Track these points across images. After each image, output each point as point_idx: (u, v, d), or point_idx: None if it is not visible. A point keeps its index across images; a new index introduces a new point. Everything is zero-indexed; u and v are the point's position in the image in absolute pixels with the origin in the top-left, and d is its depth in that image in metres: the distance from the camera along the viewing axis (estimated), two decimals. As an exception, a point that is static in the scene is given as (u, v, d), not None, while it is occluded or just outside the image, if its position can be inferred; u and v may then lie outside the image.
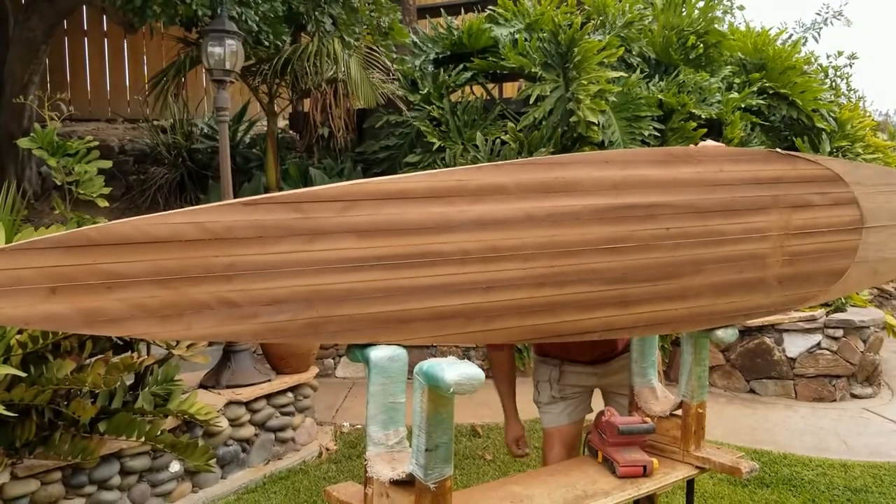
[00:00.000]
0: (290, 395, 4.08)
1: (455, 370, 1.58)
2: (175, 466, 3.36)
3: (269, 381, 3.96)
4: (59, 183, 3.20)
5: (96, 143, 3.31)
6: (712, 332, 2.20)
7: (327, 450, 4.20)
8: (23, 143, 3.21)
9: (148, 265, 1.56)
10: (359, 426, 4.62)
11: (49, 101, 3.38)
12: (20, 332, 2.49)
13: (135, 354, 2.98)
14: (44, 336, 2.50)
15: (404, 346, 1.89)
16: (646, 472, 2.17)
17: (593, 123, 5.48)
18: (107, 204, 3.30)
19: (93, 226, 1.55)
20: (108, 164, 3.37)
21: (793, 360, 5.41)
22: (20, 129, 6.23)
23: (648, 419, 2.31)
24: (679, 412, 2.32)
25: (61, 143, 3.14)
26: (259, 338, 1.77)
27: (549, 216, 1.88)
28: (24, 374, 2.45)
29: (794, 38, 9.01)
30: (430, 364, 1.65)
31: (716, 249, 2.11)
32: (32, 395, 2.50)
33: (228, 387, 3.80)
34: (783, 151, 2.16)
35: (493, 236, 1.82)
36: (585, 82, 5.57)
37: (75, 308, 1.52)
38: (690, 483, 2.39)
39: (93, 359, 2.82)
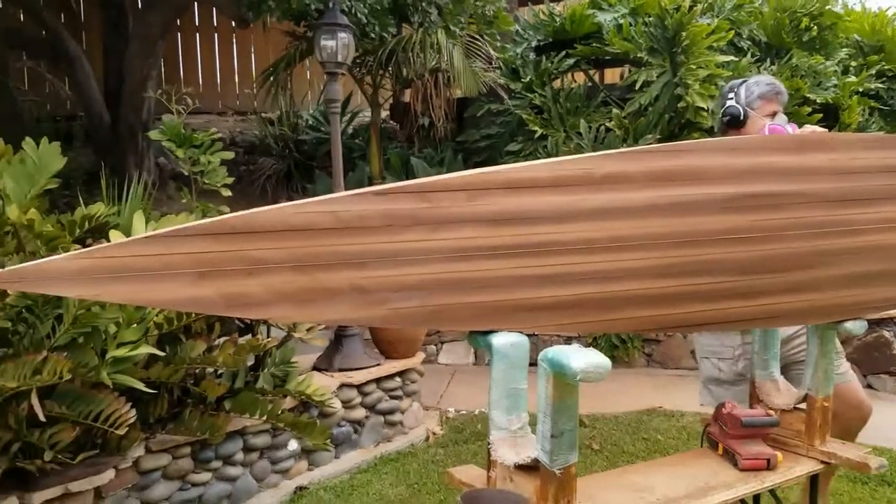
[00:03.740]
0: (398, 379, 4.18)
1: (582, 358, 1.59)
2: (293, 445, 3.51)
3: (379, 365, 4.07)
4: (186, 173, 3.38)
5: (220, 135, 3.48)
6: (840, 324, 2.13)
7: (434, 434, 4.29)
8: (153, 134, 3.40)
9: (285, 252, 1.64)
10: (464, 412, 4.70)
11: (177, 95, 3.57)
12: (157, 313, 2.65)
13: (259, 336, 3.12)
14: (178, 318, 2.66)
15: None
16: (769, 466, 2.13)
17: (702, 109, 5.35)
18: (230, 193, 3.46)
19: (235, 214, 1.63)
20: (230, 155, 3.53)
21: (915, 355, 5.16)
22: (139, 122, 6.56)
23: (772, 412, 2.27)
24: (803, 406, 2.26)
25: (188, 135, 3.31)
26: (388, 323, 1.83)
27: (674, 205, 1.86)
28: (162, 354, 2.61)
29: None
30: (556, 351, 1.66)
31: (846, 240, 2.03)
32: (168, 374, 2.66)
33: (340, 370, 3.93)
34: (922, 137, 2.07)
35: (618, 225, 1.82)
36: (694, 67, 5.43)
37: (219, 292, 1.60)
38: (814, 478, 2.33)
39: (221, 340, 2.97)
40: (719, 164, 1.91)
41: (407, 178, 5.89)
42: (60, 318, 2.45)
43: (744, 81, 2.63)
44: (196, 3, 8.25)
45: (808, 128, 2.54)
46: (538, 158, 5.45)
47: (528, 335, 1.86)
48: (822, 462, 2.18)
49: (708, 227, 1.89)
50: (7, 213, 2.54)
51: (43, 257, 2.38)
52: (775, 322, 2.13)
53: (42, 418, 2.31)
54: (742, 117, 2.54)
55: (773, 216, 1.96)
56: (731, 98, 2.58)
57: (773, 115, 2.56)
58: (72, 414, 2.42)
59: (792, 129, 2.53)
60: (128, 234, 2.56)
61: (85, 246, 2.71)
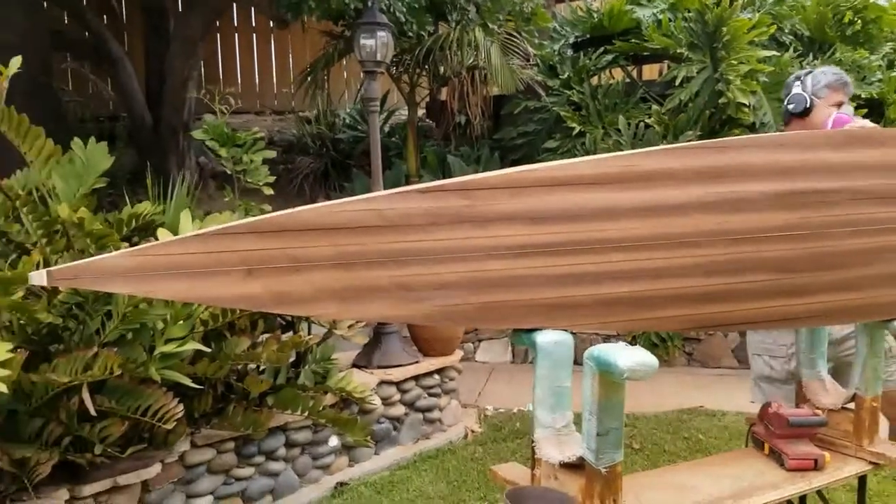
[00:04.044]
0: (436, 377, 4.19)
1: (629, 356, 1.59)
2: (333, 441, 3.54)
3: (417, 362, 4.09)
4: (228, 172, 3.42)
5: (262, 134, 3.52)
6: (890, 322, 2.09)
7: (472, 431, 4.30)
8: (196, 134, 3.46)
9: (330, 250, 1.65)
10: (502, 410, 4.70)
11: (219, 95, 3.62)
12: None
13: (301, 333, 3.16)
14: (223, 314, 2.70)
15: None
16: (817, 466, 2.10)
17: (744, 105, 5.28)
18: (272, 192, 3.50)
19: (281, 212, 1.66)
20: (272, 153, 3.57)
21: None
22: (180, 122, 6.67)
23: (819, 412, 2.23)
24: (851, 405, 2.23)
25: (231, 135, 3.36)
26: (430, 321, 1.84)
27: (720, 202, 1.84)
28: (207, 350, 2.65)
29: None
30: (602, 350, 1.66)
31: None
32: (214, 370, 2.70)
33: (379, 367, 3.95)
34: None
35: (663, 222, 1.80)
36: (735, 62, 5.35)
37: (267, 289, 1.63)
38: (862, 479, 2.29)
39: (264, 337, 3.01)
40: (766, 160, 1.89)
41: (443, 177, 5.91)
42: (109, 314, 2.50)
43: (810, 71, 2.61)
44: (235, 4, 8.36)
45: (858, 122, 2.50)
46: (576, 156, 5.43)
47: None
48: (871, 463, 2.15)
49: (754, 224, 1.86)
50: (57, 212, 2.60)
51: (92, 255, 2.44)
52: (823, 320, 2.10)
53: (93, 412, 2.36)
54: (808, 106, 2.52)
55: (822, 213, 1.93)
56: (798, 87, 2.56)
57: (839, 105, 2.54)
58: (121, 408, 2.47)
59: (860, 122, 2.50)
60: (175, 232, 2.61)
61: (132, 244, 2.77)
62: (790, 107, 2.56)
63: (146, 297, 2.31)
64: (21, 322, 2.41)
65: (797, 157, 1.89)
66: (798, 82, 2.57)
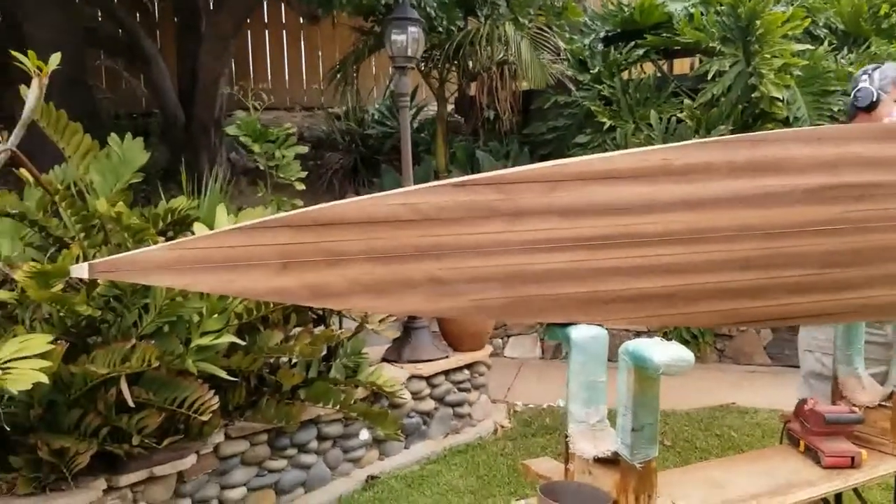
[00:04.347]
0: (466, 371, 4.20)
1: (665, 351, 1.58)
2: (364, 434, 3.57)
3: (447, 357, 4.10)
4: (261, 167, 3.46)
5: (294, 129, 3.55)
6: (930, 319, 2.06)
7: (502, 427, 4.30)
8: (230, 130, 3.50)
9: (365, 243, 1.66)
10: (532, 405, 4.69)
11: (252, 91, 3.66)
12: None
13: (333, 327, 3.18)
14: (257, 308, 2.73)
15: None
16: (854, 464, 2.08)
17: (777, 99, 5.21)
18: (304, 187, 3.53)
19: (316, 206, 1.67)
20: (304, 149, 3.60)
21: None
22: (212, 118, 6.74)
23: (856, 409, 2.21)
24: (888, 403, 2.20)
25: (263, 131, 3.39)
26: (464, 315, 1.84)
27: (757, 196, 1.82)
28: (243, 343, 2.68)
29: None
30: (637, 344, 1.66)
31: (938, 231, 1.96)
32: (248, 363, 2.73)
33: (409, 361, 3.97)
34: None
35: (699, 217, 1.79)
36: (768, 56, 5.28)
37: (302, 283, 1.64)
38: (901, 477, 2.26)
39: (296, 330, 3.03)
40: (805, 153, 1.87)
41: (472, 172, 5.90)
42: (147, 307, 2.54)
43: (878, 66, 2.59)
44: (265, 1, 8.41)
45: None
46: (607, 150, 5.40)
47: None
48: (909, 461, 2.12)
49: (793, 218, 1.84)
50: (95, 206, 2.65)
51: (129, 249, 2.48)
52: (863, 316, 2.08)
53: (131, 404, 2.40)
54: (874, 101, 2.50)
55: (862, 207, 1.90)
56: (865, 81, 2.54)
57: None
58: (158, 400, 2.51)
59: None
60: (210, 226, 2.64)
61: (167, 239, 2.80)
62: (857, 101, 2.55)
63: (184, 289, 2.34)
64: (60, 314, 2.46)
65: (836, 151, 1.87)
66: (865, 76, 2.56)
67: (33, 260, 2.53)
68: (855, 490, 2.15)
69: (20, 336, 2.12)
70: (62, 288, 2.39)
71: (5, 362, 1.92)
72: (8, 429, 2.26)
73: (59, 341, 2.20)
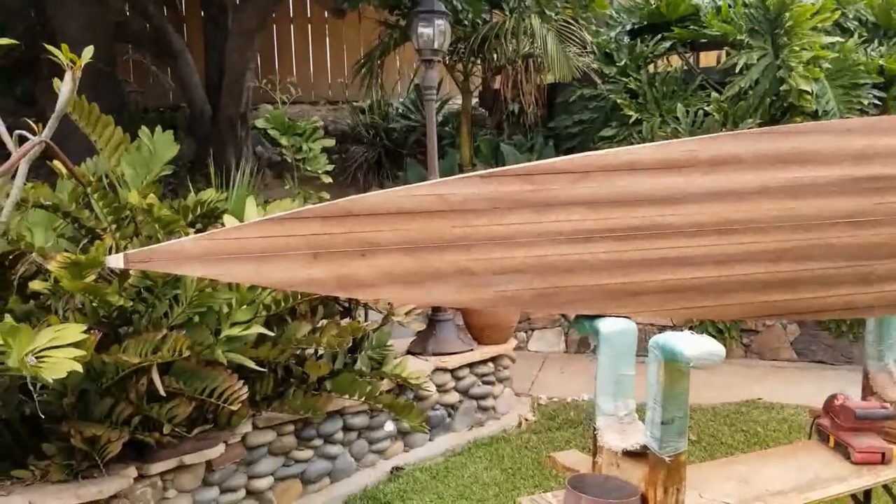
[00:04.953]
0: (490, 365, 4.21)
1: (696, 345, 1.58)
2: (389, 426, 3.59)
3: (472, 350, 4.10)
4: (288, 160, 3.48)
5: (321, 123, 3.57)
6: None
7: (526, 420, 4.30)
8: (259, 123, 3.52)
9: (395, 234, 1.67)
10: (556, 399, 4.69)
11: (280, 85, 3.68)
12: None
13: (359, 319, 3.20)
14: (285, 299, 2.75)
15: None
16: (884, 460, 2.06)
17: (806, 92, 5.14)
18: (330, 179, 3.55)
19: (347, 198, 1.68)
20: (331, 142, 3.63)
21: None
22: (238, 112, 6.78)
23: (887, 405, 2.18)
24: (921, 399, 2.17)
25: (291, 124, 3.41)
26: (492, 305, 1.85)
27: (787, 188, 1.81)
28: (272, 334, 2.71)
29: None
30: (668, 338, 1.65)
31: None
32: (276, 354, 2.75)
33: (434, 354, 3.98)
34: None
35: (728, 208, 1.78)
36: (797, 48, 5.22)
37: (332, 273, 1.66)
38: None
39: (323, 322, 3.05)
40: (836, 146, 1.85)
41: (497, 165, 5.89)
42: (177, 298, 2.57)
43: None
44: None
45: None
46: (633, 144, 5.36)
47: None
48: (942, 458, 2.09)
49: (824, 210, 1.83)
50: (127, 198, 2.68)
51: (160, 241, 2.51)
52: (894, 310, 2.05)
53: (162, 393, 2.43)
54: None
55: (892, 199, 1.88)
56: None
57: None
58: (188, 389, 2.54)
59: None
60: (239, 218, 2.66)
61: (197, 230, 2.83)
62: None
63: (216, 280, 2.36)
64: (93, 304, 2.50)
65: (864, 143, 1.85)
66: None
67: (66, 251, 2.56)
68: (885, 486, 2.12)
69: (54, 325, 2.15)
70: (94, 278, 2.42)
71: (40, 351, 1.95)
72: (42, 416, 2.29)
73: (91, 331, 2.23)
